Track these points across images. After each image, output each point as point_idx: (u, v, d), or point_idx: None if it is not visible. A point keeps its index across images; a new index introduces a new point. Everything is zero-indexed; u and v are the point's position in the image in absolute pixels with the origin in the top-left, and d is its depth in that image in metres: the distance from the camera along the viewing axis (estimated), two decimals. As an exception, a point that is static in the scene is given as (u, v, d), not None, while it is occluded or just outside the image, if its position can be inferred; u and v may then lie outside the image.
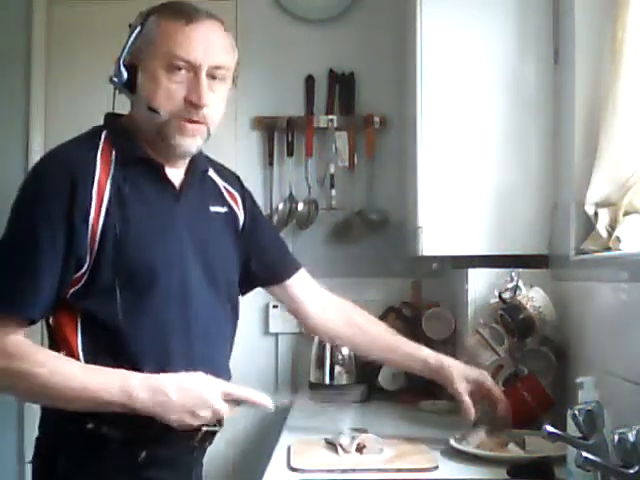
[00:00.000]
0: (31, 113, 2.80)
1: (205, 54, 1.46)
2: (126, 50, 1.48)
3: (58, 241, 1.40)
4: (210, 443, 1.56)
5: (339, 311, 1.85)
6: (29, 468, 1.51)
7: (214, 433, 1.53)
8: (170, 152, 1.52)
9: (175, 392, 1.40)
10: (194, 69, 1.45)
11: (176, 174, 1.55)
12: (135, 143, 1.51)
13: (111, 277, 1.42)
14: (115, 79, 1.48)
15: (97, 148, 1.47)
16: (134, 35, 1.49)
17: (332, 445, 1.70)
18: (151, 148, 1.51)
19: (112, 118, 1.56)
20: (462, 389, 1.75)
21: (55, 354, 1.42)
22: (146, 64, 1.47)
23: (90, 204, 1.41)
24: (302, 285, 1.82)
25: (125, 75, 1.48)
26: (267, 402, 1.49)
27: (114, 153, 1.47)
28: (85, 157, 1.45)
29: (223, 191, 1.67)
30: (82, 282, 1.43)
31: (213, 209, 1.62)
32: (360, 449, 1.67)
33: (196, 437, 1.50)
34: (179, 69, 1.45)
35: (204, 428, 1.48)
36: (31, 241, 1.40)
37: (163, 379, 1.41)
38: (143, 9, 1.56)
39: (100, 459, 1.43)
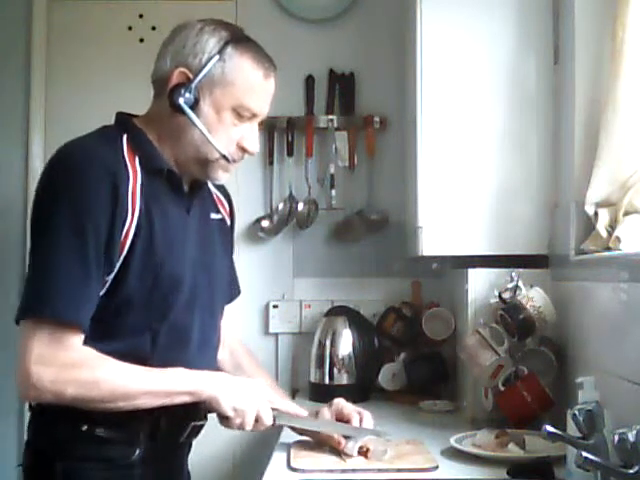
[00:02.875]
0: (31, 113, 2.79)
1: (266, 109, 1.55)
2: (202, 74, 1.46)
3: (100, 246, 1.38)
4: (195, 437, 1.61)
5: (231, 350, 1.80)
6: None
7: (201, 427, 1.59)
8: (200, 176, 1.55)
9: (236, 382, 1.53)
10: (253, 119, 1.53)
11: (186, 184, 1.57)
12: (158, 154, 1.51)
13: (136, 285, 1.43)
14: (181, 99, 1.46)
15: (122, 152, 1.45)
16: (212, 63, 1.47)
17: (335, 450, 1.68)
18: (174, 160, 1.52)
19: (125, 118, 1.54)
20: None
21: (112, 359, 1.42)
22: (216, 98, 1.48)
23: (127, 210, 1.41)
24: (225, 313, 1.76)
25: (194, 99, 1.46)
26: (302, 412, 1.65)
27: (137, 160, 1.46)
28: (119, 160, 1.44)
29: (215, 198, 1.70)
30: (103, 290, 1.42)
31: (212, 217, 1.65)
32: (364, 453, 1.65)
33: (184, 432, 1.55)
34: (244, 116, 1.51)
35: (192, 423, 1.55)
36: (79, 245, 1.37)
37: (224, 375, 1.56)
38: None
39: (96, 460, 1.44)
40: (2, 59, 2.81)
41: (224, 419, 1.50)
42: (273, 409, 1.55)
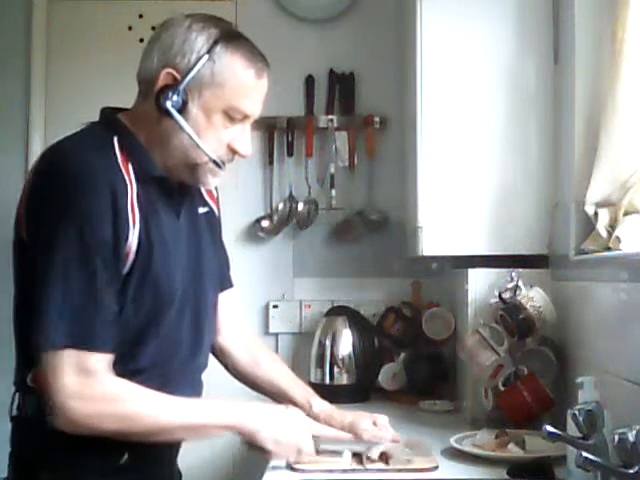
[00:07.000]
0: (31, 113, 2.79)
1: (259, 109, 1.47)
2: (190, 76, 1.39)
3: (108, 262, 1.34)
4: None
5: (247, 346, 1.77)
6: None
7: None
8: (189, 181, 1.49)
9: (275, 414, 1.50)
10: (245, 120, 1.46)
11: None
12: (150, 159, 1.44)
13: (131, 299, 1.39)
14: (168, 102, 1.39)
15: (117, 160, 1.40)
16: (201, 64, 1.39)
17: (357, 455, 1.67)
18: (164, 164, 1.46)
19: (112, 117, 1.48)
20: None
21: (145, 390, 1.39)
22: (205, 100, 1.41)
23: (128, 224, 1.36)
24: (226, 304, 1.72)
25: (182, 102, 1.39)
26: (342, 435, 1.62)
27: (130, 167, 1.40)
28: (115, 169, 1.38)
29: (202, 190, 1.63)
30: None
31: (200, 211, 1.60)
32: (386, 459, 1.63)
33: None
34: (235, 118, 1.44)
35: None
36: (86, 267, 1.32)
37: (262, 406, 1.53)
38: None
39: (84, 466, 1.41)
40: (2, 59, 2.81)
41: (265, 452, 1.48)
42: (313, 436, 1.53)
